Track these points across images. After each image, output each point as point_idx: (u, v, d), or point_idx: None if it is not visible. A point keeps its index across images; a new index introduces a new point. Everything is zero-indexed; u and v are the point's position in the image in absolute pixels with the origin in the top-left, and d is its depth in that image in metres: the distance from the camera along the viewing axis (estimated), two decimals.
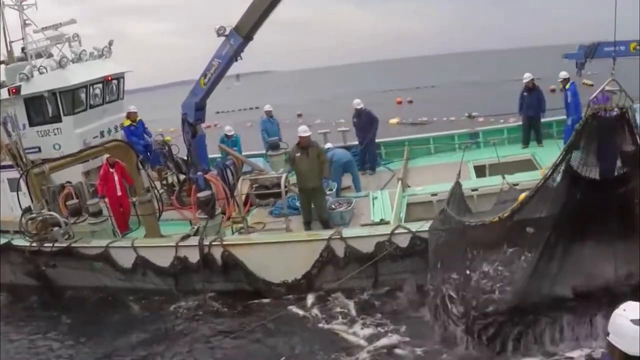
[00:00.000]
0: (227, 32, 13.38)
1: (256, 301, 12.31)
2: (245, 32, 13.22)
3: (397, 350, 9.92)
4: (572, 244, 8.76)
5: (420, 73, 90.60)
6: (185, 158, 15.85)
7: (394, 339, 10.19)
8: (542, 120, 17.66)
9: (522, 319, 8.99)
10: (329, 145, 16.36)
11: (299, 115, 50.06)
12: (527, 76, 17.42)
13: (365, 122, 17.69)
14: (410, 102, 49.30)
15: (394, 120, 35.64)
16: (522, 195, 9.44)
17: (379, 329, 10.60)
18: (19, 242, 14.39)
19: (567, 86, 16.45)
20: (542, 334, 9.04)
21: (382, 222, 12.65)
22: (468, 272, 9.41)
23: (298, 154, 12.97)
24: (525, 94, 17.47)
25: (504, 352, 9.02)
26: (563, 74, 16.47)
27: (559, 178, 8.61)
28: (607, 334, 3.66)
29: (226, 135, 19.38)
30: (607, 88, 8.44)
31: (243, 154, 18.58)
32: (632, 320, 3.54)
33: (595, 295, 8.72)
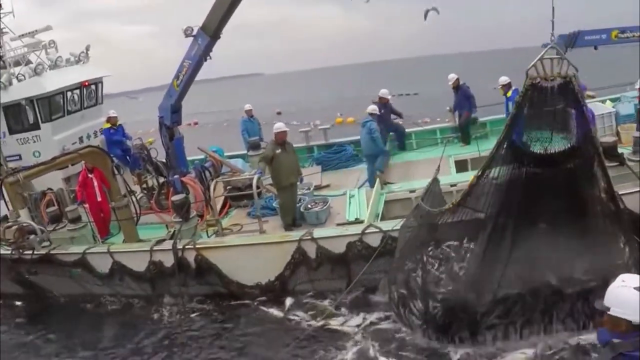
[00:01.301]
0: (194, 32, 13.42)
1: (232, 303, 12.33)
2: (211, 30, 13.34)
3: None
4: (522, 226, 8.67)
5: (405, 77, 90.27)
6: (165, 161, 15.90)
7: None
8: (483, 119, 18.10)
9: (476, 308, 8.89)
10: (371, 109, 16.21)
11: (279, 114, 50.22)
12: (451, 77, 17.59)
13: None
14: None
15: None
16: (472, 177, 9.21)
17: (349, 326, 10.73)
18: (3, 250, 14.34)
19: (509, 94, 16.21)
20: (494, 325, 8.99)
21: (357, 221, 12.67)
22: (425, 262, 9.43)
23: (278, 151, 13.05)
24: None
25: (461, 342, 9.10)
26: (503, 80, 16.16)
27: (503, 157, 8.54)
28: (607, 309, 3.77)
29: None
30: (545, 57, 8.06)
31: (225, 154, 18.65)
32: (635, 289, 3.68)
33: (548, 283, 8.69)
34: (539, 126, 8.42)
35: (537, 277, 8.69)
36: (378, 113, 16.19)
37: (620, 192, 9.42)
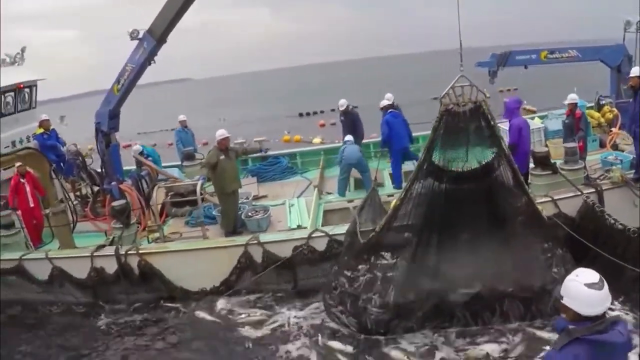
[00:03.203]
0: (140, 36, 13.39)
1: (172, 305, 12.26)
2: (158, 34, 13.27)
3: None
4: (445, 239, 9.40)
5: (346, 83, 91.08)
6: (99, 170, 15.65)
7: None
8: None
9: (407, 315, 9.69)
10: (348, 138, 16.06)
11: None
12: (342, 103, 17.98)
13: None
14: (334, 124, 49.70)
15: (317, 140, 36.05)
16: (394, 202, 10.00)
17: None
18: None
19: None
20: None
21: (300, 228, 12.88)
22: (359, 272, 10.05)
23: (222, 157, 13.13)
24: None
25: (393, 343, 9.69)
26: (384, 102, 16.25)
27: (424, 177, 9.31)
28: (561, 298, 4.17)
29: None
30: (456, 85, 8.83)
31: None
32: (585, 285, 4.08)
33: (476, 290, 9.46)
34: (453, 145, 9.14)
35: (460, 283, 9.48)
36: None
37: (555, 197, 10.81)
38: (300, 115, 58.79)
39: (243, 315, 11.41)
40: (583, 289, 4.07)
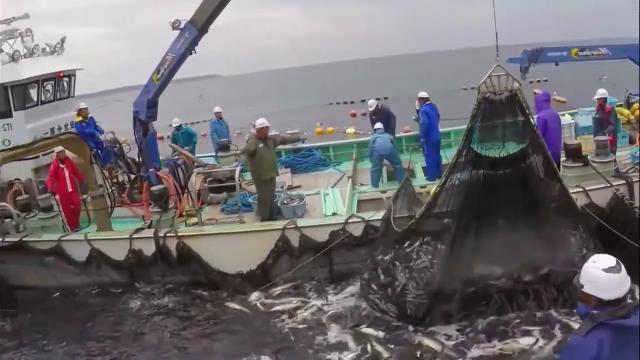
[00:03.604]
0: (182, 26, 13.56)
1: (213, 292, 12.35)
2: (200, 24, 13.41)
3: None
4: (483, 225, 9.57)
5: (372, 80, 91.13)
6: (136, 159, 15.88)
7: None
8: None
9: (446, 300, 9.75)
10: (378, 126, 16.17)
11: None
12: (371, 104, 18.40)
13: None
14: (365, 115, 49.51)
15: (350, 130, 35.99)
16: (434, 189, 10.19)
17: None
18: None
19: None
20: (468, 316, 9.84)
21: (335, 216, 12.96)
22: (398, 258, 10.16)
23: (261, 145, 13.28)
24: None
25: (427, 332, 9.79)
26: (423, 94, 16.64)
27: (464, 164, 9.55)
28: (582, 287, 4.19)
29: (175, 128, 20.09)
30: (493, 74, 9.14)
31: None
32: (603, 270, 4.12)
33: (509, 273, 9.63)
34: (490, 132, 9.46)
35: (497, 267, 9.64)
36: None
37: (587, 189, 10.98)
38: (330, 104, 58.91)
39: (278, 303, 11.50)
40: (602, 275, 4.09)
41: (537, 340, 9.10)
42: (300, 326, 10.61)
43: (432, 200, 9.89)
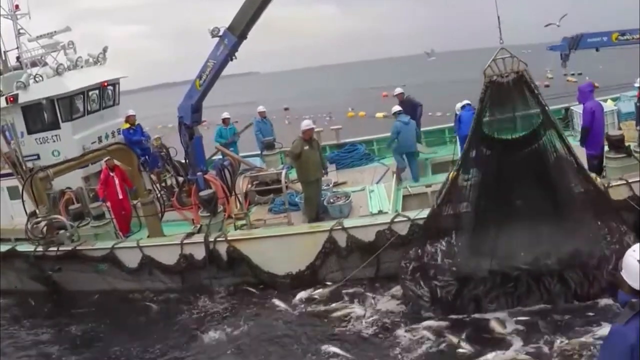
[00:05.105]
0: (220, 33, 13.67)
1: (263, 293, 12.54)
2: (239, 31, 13.51)
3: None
4: (502, 207, 9.71)
5: (403, 72, 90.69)
6: (183, 161, 16.13)
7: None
8: None
9: (473, 283, 9.95)
10: (396, 108, 16.49)
11: (286, 109, 50.49)
12: (397, 90, 18.53)
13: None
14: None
15: (380, 114, 35.82)
16: (452, 173, 10.39)
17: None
18: (23, 248, 14.42)
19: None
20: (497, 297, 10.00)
21: (381, 214, 12.99)
22: (430, 247, 10.35)
23: (306, 147, 13.39)
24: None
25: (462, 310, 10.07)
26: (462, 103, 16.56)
27: (476, 147, 9.79)
28: (620, 270, 4.22)
29: (223, 120, 20.45)
30: (498, 57, 9.21)
31: (239, 154, 18.90)
32: (638, 261, 4.09)
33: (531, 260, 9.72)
34: (500, 114, 9.65)
35: (519, 248, 9.79)
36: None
37: (630, 181, 10.86)
38: (362, 89, 58.75)
39: (327, 303, 11.61)
40: (636, 264, 4.08)
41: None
42: (349, 326, 10.71)
43: (450, 185, 10.13)
